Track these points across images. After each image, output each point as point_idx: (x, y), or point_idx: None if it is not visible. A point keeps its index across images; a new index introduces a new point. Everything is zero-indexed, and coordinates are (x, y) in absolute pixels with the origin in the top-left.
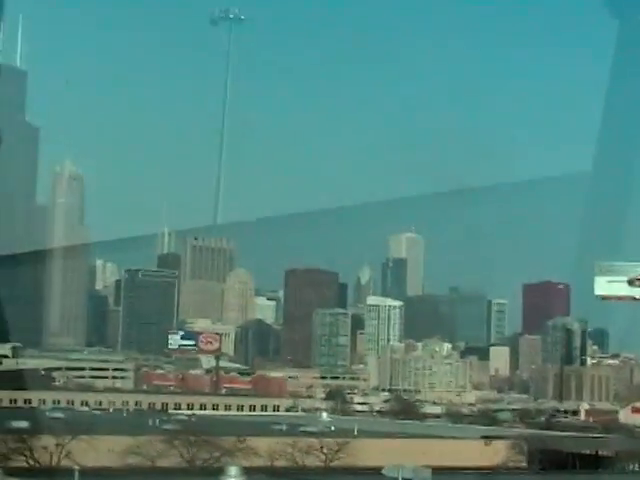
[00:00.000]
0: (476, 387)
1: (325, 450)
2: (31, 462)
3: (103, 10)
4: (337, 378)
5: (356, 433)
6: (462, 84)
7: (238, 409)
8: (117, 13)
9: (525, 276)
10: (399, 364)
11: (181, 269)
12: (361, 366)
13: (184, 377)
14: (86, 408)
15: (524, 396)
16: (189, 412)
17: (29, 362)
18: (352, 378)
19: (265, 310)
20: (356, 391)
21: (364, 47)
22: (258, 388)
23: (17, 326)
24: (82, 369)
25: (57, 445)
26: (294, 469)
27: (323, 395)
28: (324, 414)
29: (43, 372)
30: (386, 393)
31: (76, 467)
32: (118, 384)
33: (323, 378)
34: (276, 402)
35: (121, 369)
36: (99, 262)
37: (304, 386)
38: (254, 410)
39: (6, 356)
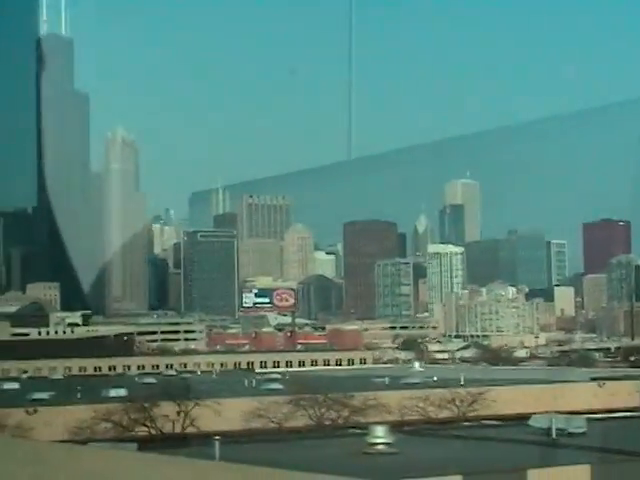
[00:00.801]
0: (543, 329)
1: (457, 402)
2: (154, 432)
3: None
4: (406, 328)
5: (463, 382)
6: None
7: (325, 364)
8: None
9: (583, 215)
10: (465, 310)
11: (238, 228)
12: (425, 314)
13: (257, 335)
14: (172, 372)
15: (592, 335)
16: (279, 370)
17: (100, 329)
18: (421, 327)
19: (325, 264)
20: (428, 339)
21: None
22: (333, 342)
23: (81, 294)
24: (154, 333)
25: (178, 412)
26: (431, 423)
27: (397, 345)
28: (416, 364)
29: (114, 337)
30: (459, 340)
31: (216, 438)
32: (192, 346)
33: (392, 328)
34: (361, 355)
35: (192, 331)
36: (156, 226)
37: (376, 337)
38: (340, 364)
39: (77, 324)
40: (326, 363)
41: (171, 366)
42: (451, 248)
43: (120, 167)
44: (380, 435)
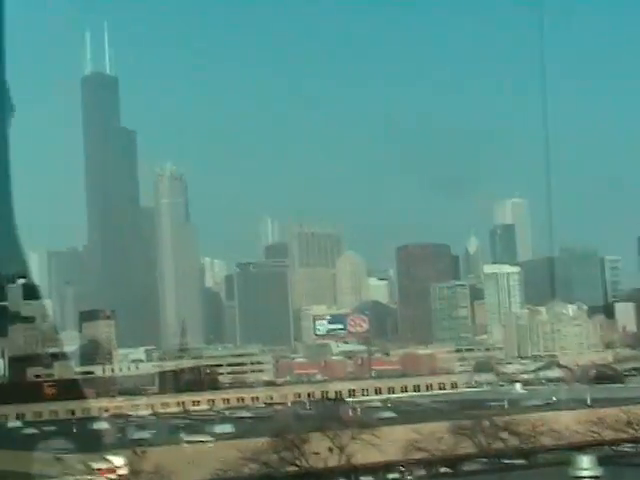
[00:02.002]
0: (608, 346)
1: (635, 424)
2: (305, 467)
3: (193, 10)
4: (471, 350)
5: (589, 403)
6: None
7: (415, 389)
8: (205, 13)
9: (636, 230)
10: (526, 330)
11: (289, 257)
12: (484, 336)
13: (326, 363)
14: (262, 405)
15: None
16: (379, 397)
17: (165, 364)
18: (487, 349)
19: (378, 290)
20: (502, 361)
21: None
22: (406, 367)
23: (137, 330)
24: (219, 366)
25: (331, 449)
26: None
27: (470, 368)
28: (517, 386)
29: (190, 371)
30: (527, 360)
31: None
32: (264, 377)
33: (458, 351)
34: (450, 379)
35: (259, 362)
36: (207, 259)
37: (444, 361)
38: (431, 389)
39: (141, 360)
40: (428, 388)
41: (257, 399)
42: (507, 268)
43: (170, 201)
44: (587, 467)
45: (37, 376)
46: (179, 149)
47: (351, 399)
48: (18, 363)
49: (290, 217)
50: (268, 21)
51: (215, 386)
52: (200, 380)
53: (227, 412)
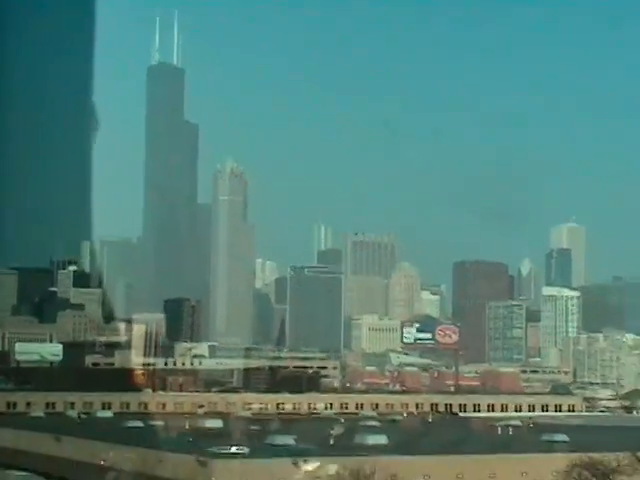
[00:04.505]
0: None
1: None
2: None
3: (261, 3)
4: (536, 372)
5: None
6: None
7: (502, 409)
8: (275, 9)
9: None
10: (584, 356)
11: (342, 265)
12: (537, 359)
13: (399, 374)
14: (370, 413)
15: None
16: (509, 415)
17: (228, 362)
18: (552, 372)
19: (430, 304)
20: (571, 385)
21: None
22: (488, 385)
23: (186, 325)
24: (285, 368)
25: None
26: None
27: (542, 390)
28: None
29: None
30: (595, 386)
31: None
32: (335, 384)
33: (523, 372)
34: (567, 401)
35: (324, 367)
36: (258, 260)
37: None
38: (546, 410)
39: (203, 356)
40: (504, 408)
41: (361, 406)
42: (566, 292)
43: (229, 199)
44: None
45: (95, 364)
46: (241, 146)
47: (477, 414)
48: (73, 349)
49: (345, 224)
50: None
51: (309, 388)
52: (279, 380)
53: (367, 420)
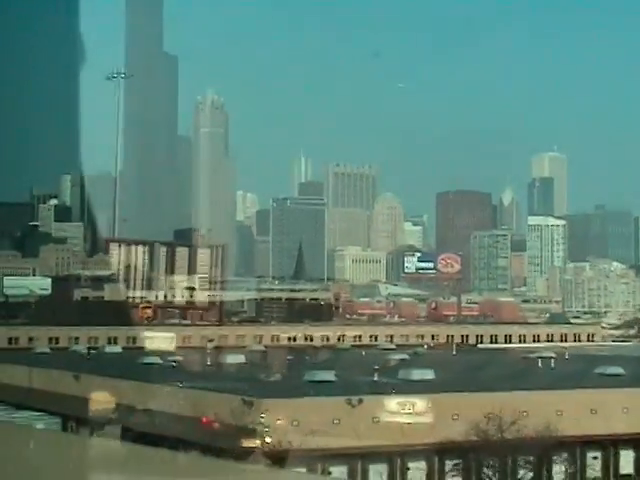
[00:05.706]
0: None
1: None
2: None
3: None
4: (527, 302)
5: None
6: None
7: (535, 339)
8: None
9: None
10: (571, 285)
11: (323, 196)
12: (523, 288)
13: (395, 305)
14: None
15: None
16: (536, 345)
17: (223, 294)
18: (543, 301)
19: (412, 235)
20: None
21: None
22: (489, 314)
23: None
24: (279, 299)
25: None
26: None
27: (538, 320)
28: None
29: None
30: (588, 315)
31: None
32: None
33: (525, 302)
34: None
35: (315, 298)
36: (239, 193)
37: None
38: (565, 340)
39: (194, 288)
40: (521, 339)
41: (375, 337)
42: (552, 221)
43: (209, 131)
44: None
45: (84, 297)
46: (221, 78)
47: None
48: (59, 283)
49: (327, 156)
50: None
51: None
52: (296, 312)
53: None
